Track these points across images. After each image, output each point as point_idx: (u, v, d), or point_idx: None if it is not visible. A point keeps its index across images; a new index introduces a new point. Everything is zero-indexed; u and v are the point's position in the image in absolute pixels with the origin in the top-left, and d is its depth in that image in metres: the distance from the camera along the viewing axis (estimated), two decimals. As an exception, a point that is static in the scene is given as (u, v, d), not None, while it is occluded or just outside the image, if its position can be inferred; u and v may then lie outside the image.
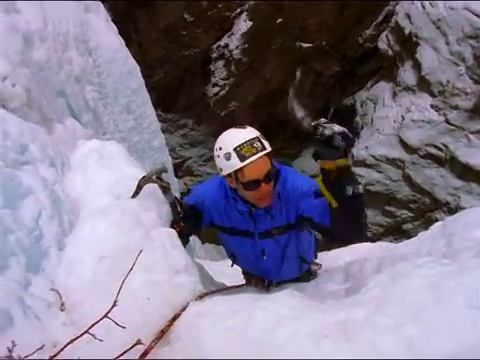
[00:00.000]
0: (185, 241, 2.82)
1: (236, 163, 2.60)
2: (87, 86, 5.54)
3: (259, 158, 2.60)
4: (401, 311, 1.63)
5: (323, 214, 2.67)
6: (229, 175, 2.70)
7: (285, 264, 3.32)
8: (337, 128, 2.46)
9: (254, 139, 2.61)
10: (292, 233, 3.09)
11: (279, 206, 2.91)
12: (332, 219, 2.62)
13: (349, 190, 2.42)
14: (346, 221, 2.57)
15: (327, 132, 2.44)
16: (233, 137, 2.65)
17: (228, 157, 2.61)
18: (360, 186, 2.53)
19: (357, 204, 2.52)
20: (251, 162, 2.59)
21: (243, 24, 14.28)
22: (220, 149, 2.66)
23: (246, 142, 2.59)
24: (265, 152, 2.62)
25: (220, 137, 2.74)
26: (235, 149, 2.58)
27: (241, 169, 2.62)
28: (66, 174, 2.86)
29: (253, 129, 2.70)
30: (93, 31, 6.08)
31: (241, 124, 2.75)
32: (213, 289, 2.40)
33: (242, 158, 2.58)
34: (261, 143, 2.62)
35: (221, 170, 2.72)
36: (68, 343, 1.56)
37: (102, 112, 6.05)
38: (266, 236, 3.07)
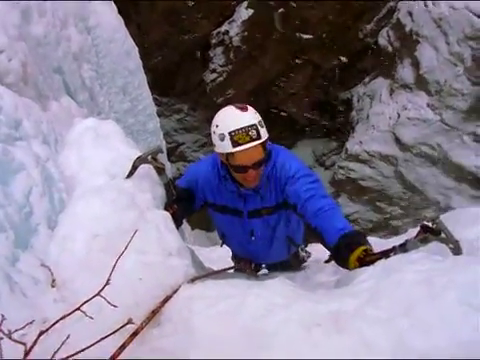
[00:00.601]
0: (178, 224, 2.81)
1: (228, 147, 2.60)
2: (84, 64, 5.49)
3: (251, 147, 2.60)
4: (393, 305, 1.64)
5: (306, 206, 2.68)
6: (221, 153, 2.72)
7: (274, 245, 3.33)
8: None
9: (251, 126, 2.59)
10: (281, 213, 3.10)
11: (268, 187, 2.93)
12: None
13: None
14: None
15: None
16: (231, 119, 2.63)
17: (222, 138, 2.61)
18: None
19: None
20: (242, 150, 2.59)
21: (244, 12, 14.18)
22: (216, 127, 2.65)
23: (242, 128, 2.57)
24: (259, 142, 2.61)
25: (220, 113, 2.73)
26: (230, 133, 2.57)
27: (232, 153, 2.63)
28: (61, 151, 2.84)
29: (254, 113, 2.67)
30: (93, 9, 6.02)
31: (244, 104, 2.71)
32: (204, 273, 2.39)
33: (235, 144, 2.58)
34: (257, 132, 2.60)
35: (214, 146, 2.73)
36: (59, 319, 1.55)
37: (98, 92, 6.00)
38: (255, 215, 3.09)
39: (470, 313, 1.48)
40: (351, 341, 1.55)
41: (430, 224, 2.32)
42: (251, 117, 2.63)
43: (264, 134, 2.65)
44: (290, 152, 3.13)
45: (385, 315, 1.58)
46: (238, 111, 2.64)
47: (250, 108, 2.69)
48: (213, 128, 2.69)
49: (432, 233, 2.27)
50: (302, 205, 2.72)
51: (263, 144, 2.67)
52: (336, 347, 1.55)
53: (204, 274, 2.35)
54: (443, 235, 2.25)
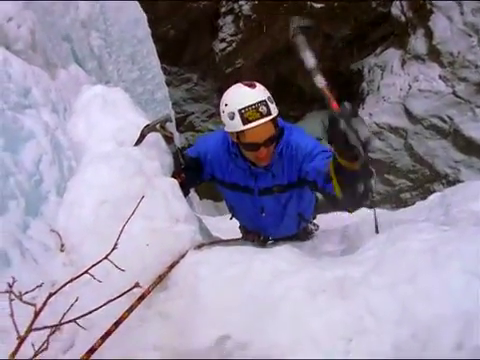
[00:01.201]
0: (185, 192, 2.80)
1: (238, 125, 2.57)
2: (93, 32, 5.45)
3: (262, 123, 2.57)
4: (397, 272, 1.65)
5: (327, 179, 2.63)
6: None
7: (284, 221, 3.33)
8: (363, 132, 1.96)
9: (261, 102, 2.55)
10: (294, 191, 3.08)
11: (281, 165, 2.90)
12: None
13: (360, 188, 2.23)
14: (350, 201, 2.46)
15: (348, 132, 1.98)
16: (240, 96, 2.59)
17: (232, 117, 2.58)
18: (373, 181, 2.36)
19: (364, 197, 2.31)
20: (253, 127, 2.56)
21: (254, -20, 13.95)
22: (226, 105, 2.62)
23: (252, 105, 2.54)
24: (269, 118, 2.58)
25: (228, 92, 2.69)
26: (240, 110, 2.54)
27: (242, 131, 2.60)
28: (69, 119, 2.84)
29: (263, 89, 2.63)
30: (100, -23, 5.94)
31: (251, 81, 2.68)
32: (211, 240, 2.41)
33: (245, 121, 2.55)
34: (267, 108, 2.57)
35: (224, 125, 2.70)
36: (67, 282, 1.58)
37: (107, 60, 5.97)
38: (266, 193, 3.07)
39: (473, 282, 1.49)
40: (355, 307, 1.57)
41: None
42: (260, 93, 2.60)
43: (274, 110, 2.62)
44: (303, 130, 3.08)
45: (389, 282, 1.60)
46: (247, 88, 2.60)
47: (258, 84, 2.65)
48: (222, 107, 2.66)
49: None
50: (324, 178, 2.59)
51: (273, 120, 2.65)
52: (341, 312, 1.57)
53: (211, 241, 2.37)
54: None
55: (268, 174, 2.94)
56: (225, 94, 2.70)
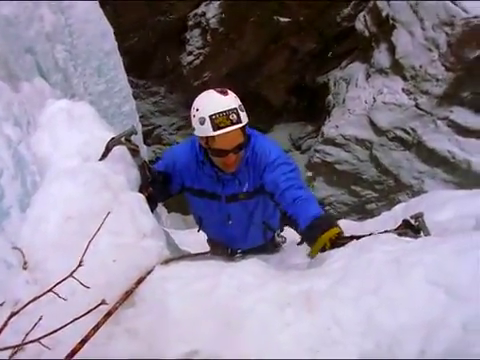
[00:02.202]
0: (153, 206, 2.80)
1: (208, 131, 2.60)
2: (58, 45, 5.37)
3: (232, 130, 2.60)
4: (362, 283, 1.68)
5: (284, 195, 2.72)
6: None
7: (251, 229, 3.38)
8: None
9: (232, 110, 2.59)
10: (259, 198, 3.12)
11: (246, 172, 2.95)
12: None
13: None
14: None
15: None
16: (212, 103, 2.62)
17: (202, 122, 2.60)
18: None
19: None
20: (223, 133, 2.59)
21: (221, -6, 14.05)
22: (197, 110, 2.65)
23: (223, 112, 2.57)
24: (239, 126, 2.62)
25: (200, 97, 2.72)
26: (210, 116, 2.57)
27: (213, 137, 2.63)
28: (33, 133, 2.79)
29: (234, 97, 2.68)
30: (66, -11, 5.88)
31: (223, 88, 2.71)
32: (179, 255, 2.40)
33: (215, 127, 2.58)
34: (237, 116, 2.60)
35: (194, 130, 2.72)
36: (31, 301, 1.55)
37: (72, 73, 5.89)
38: (233, 200, 3.10)
39: (436, 292, 1.53)
40: (322, 319, 1.59)
41: (412, 221, 2.37)
42: (232, 101, 2.64)
43: (244, 118, 2.66)
44: (268, 138, 3.13)
45: (355, 294, 1.63)
46: (219, 95, 2.64)
47: (230, 92, 2.69)
48: (193, 111, 2.68)
49: (412, 229, 2.33)
50: (280, 194, 2.75)
51: (243, 128, 2.69)
52: (307, 325, 1.58)
53: (178, 256, 2.36)
54: (422, 234, 2.30)
55: (235, 181, 2.99)
56: (197, 99, 2.73)
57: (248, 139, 2.83)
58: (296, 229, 2.71)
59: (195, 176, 3.06)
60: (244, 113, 2.67)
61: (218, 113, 2.57)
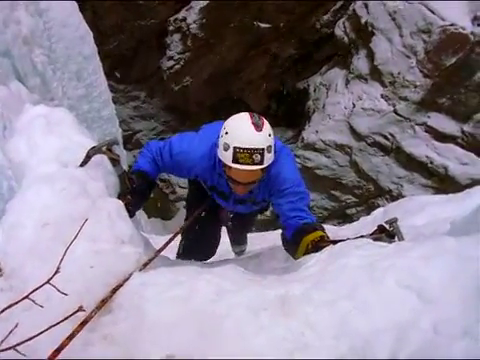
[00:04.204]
0: (130, 215, 2.75)
1: (228, 160, 2.59)
2: (36, 49, 5.31)
3: (250, 170, 2.59)
4: (337, 288, 1.72)
5: (288, 221, 2.79)
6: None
7: (248, 211, 3.49)
8: None
9: (257, 150, 2.53)
10: (265, 204, 3.29)
11: (259, 186, 2.96)
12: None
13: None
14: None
15: None
16: (242, 134, 2.56)
17: (226, 148, 2.58)
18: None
19: None
20: (240, 169, 2.58)
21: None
22: (226, 133, 2.60)
23: (248, 149, 2.52)
24: (259, 167, 2.59)
25: (235, 119, 2.67)
26: (235, 147, 2.54)
27: (230, 166, 2.62)
28: (10, 138, 2.77)
29: (267, 135, 2.59)
30: (45, -8, 5.83)
31: (261, 118, 2.63)
32: (154, 255, 2.39)
33: (235, 160, 2.56)
34: (262, 157, 2.55)
35: (217, 147, 2.70)
36: (7, 307, 1.54)
37: (51, 77, 5.83)
38: (240, 203, 3.20)
39: (409, 295, 1.57)
40: (297, 323, 1.61)
41: (387, 226, 2.43)
42: (262, 140, 2.57)
43: (268, 160, 2.62)
44: (289, 157, 3.07)
45: (329, 298, 1.66)
46: (252, 128, 2.55)
47: (265, 127, 2.61)
48: (223, 131, 2.64)
49: (387, 235, 2.38)
50: (284, 220, 2.83)
51: (264, 168, 2.65)
52: (282, 329, 1.61)
53: (153, 256, 2.36)
54: (396, 238, 2.36)
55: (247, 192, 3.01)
56: (232, 119, 2.68)
57: (269, 167, 2.76)
58: (284, 238, 2.85)
59: (209, 176, 3.05)
60: (271, 154, 2.63)
61: (243, 148, 2.52)
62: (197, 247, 3.80)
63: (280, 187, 2.84)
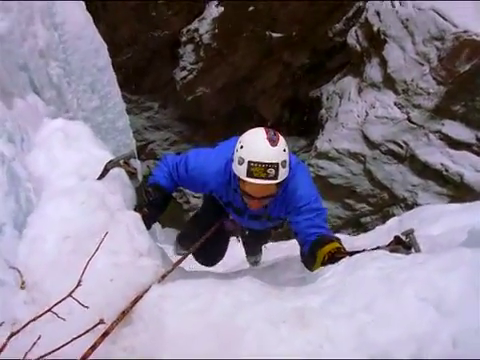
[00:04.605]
0: (148, 226, 2.77)
1: (242, 173, 2.59)
2: (51, 62, 5.40)
3: (264, 184, 2.59)
4: (355, 300, 1.72)
5: (305, 238, 2.80)
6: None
7: (261, 228, 3.50)
8: None
9: (272, 165, 2.53)
10: (279, 221, 3.26)
11: (274, 203, 2.95)
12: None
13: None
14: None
15: None
16: (257, 149, 2.56)
17: (241, 162, 2.58)
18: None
19: None
20: (254, 183, 2.58)
21: (214, 9, 14.17)
22: (241, 148, 2.60)
23: (263, 164, 2.52)
24: (273, 182, 2.59)
25: (251, 134, 2.67)
26: (249, 162, 2.54)
27: (244, 180, 2.62)
28: (29, 151, 2.81)
29: (282, 150, 2.59)
30: (60, 6, 5.92)
31: (276, 133, 2.64)
32: (171, 267, 2.41)
33: (249, 174, 2.56)
34: (276, 172, 2.55)
35: (233, 160, 2.71)
36: (30, 321, 1.57)
37: (66, 89, 5.92)
38: (255, 219, 3.19)
39: (426, 307, 1.57)
40: (315, 336, 1.62)
41: (403, 237, 2.42)
42: (277, 154, 2.56)
43: (283, 175, 2.61)
44: (305, 173, 3.08)
45: (348, 311, 1.66)
46: (267, 143, 2.55)
47: (281, 142, 2.61)
48: (238, 145, 2.64)
49: (403, 246, 2.38)
50: (301, 238, 2.84)
51: (278, 183, 2.65)
52: (301, 341, 1.61)
53: (171, 269, 2.37)
54: (413, 250, 2.36)
55: (261, 208, 2.99)
56: (248, 134, 2.68)
57: (285, 183, 2.76)
58: (303, 258, 2.85)
59: (225, 192, 3.06)
60: (286, 169, 2.62)
61: (258, 163, 2.52)
62: (201, 255, 3.81)
63: (297, 204, 2.84)
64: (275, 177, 2.57)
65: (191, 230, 3.83)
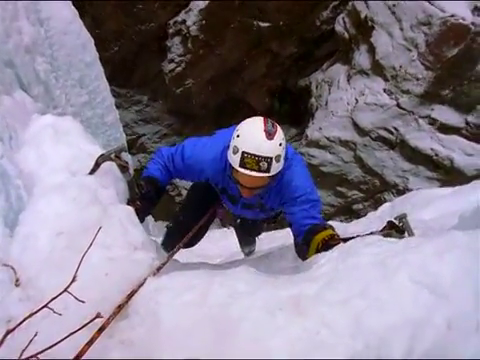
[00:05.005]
0: (140, 220, 2.77)
1: (235, 163, 2.60)
2: (38, 57, 5.34)
3: (256, 176, 2.59)
4: (350, 287, 1.73)
5: (300, 229, 2.81)
6: None
7: (254, 218, 3.52)
8: None
9: (265, 159, 2.53)
10: (272, 212, 3.26)
11: (268, 192, 2.97)
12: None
13: None
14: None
15: None
16: (252, 140, 2.55)
17: (235, 151, 2.59)
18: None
19: None
20: (246, 173, 2.59)
21: (201, 0, 14.07)
22: (237, 136, 2.60)
23: (256, 156, 2.52)
24: (265, 175, 2.60)
25: (248, 123, 2.67)
26: (243, 152, 2.54)
27: (236, 169, 2.63)
28: (18, 149, 2.79)
29: (277, 145, 2.58)
30: (45, 2, 5.86)
31: (275, 125, 2.63)
32: (166, 260, 2.41)
33: (242, 164, 2.56)
34: (269, 165, 2.55)
35: (228, 148, 2.71)
36: (26, 317, 1.56)
37: (54, 85, 5.86)
38: (248, 207, 3.21)
39: (421, 291, 1.58)
40: (312, 323, 1.63)
41: (396, 222, 2.44)
42: (272, 148, 2.56)
43: (275, 169, 2.61)
44: (301, 164, 3.08)
45: (343, 297, 1.67)
46: (263, 136, 2.54)
47: (278, 135, 2.60)
48: (235, 133, 2.64)
49: (396, 230, 2.39)
50: (296, 228, 2.86)
51: (271, 176, 2.65)
52: (298, 329, 1.62)
53: (165, 261, 2.38)
54: (406, 234, 2.38)
55: (256, 196, 3.01)
56: (245, 124, 2.68)
57: (280, 174, 2.77)
58: (297, 247, 2.86)
59: (220, 179, 3.07)
60: (279, 164, 2.62)
61: (251, 154, 2.52)
62: (179, 231, 3.77)
63: (292, 195, 2.85)
64: (267, 171, 2.58)
65: (180, 224, 3.79)
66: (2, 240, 2.18)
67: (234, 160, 2.60)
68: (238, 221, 3.47)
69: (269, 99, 16.53)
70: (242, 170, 2.57)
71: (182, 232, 3.29)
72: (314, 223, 2.75)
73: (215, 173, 3.01)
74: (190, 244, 3.92)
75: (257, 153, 2.52)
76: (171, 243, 3.55)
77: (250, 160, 2.53)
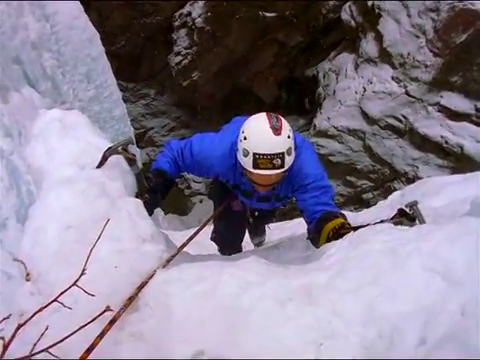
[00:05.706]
0: (149, 212, 2.74)
1: (248, 165, 2.58)
2: (45, 53, 5.35)
3: (271, 174, 2.58)
4: (361, 275, 1.72)
5: (312, 215, 2.80)
6: None
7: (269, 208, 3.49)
8: None
9: (278, 155, 2.52)
10: (287, 200, 3.24)
11: (282, 184, 2.95)
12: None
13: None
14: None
15: None
16: (261, 140, 2.53)
17: (246, 154, 2.57)
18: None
19: None
20: (261, 173, 2.58)
21: (206, -8, 14.01)
22: (244, 139, 2.58)
23: (268, 155, 2.51)
24: (280, 171, 2.58)
25: (252, 123, 2.64)
26: (255, 154, 2.52)
27: (250, 171, 2.62)
28: (27, 144, 2.79)
29: (286, 137, 2.55)
30: (50, -3, 5.86)
31: (278, 118, 2.60)
32: (175, 252, 2.41)
33: (255, 166, 2.55)
34: (282, 161, 2.54)
35: (237, 150, 2.69)
36: (36, 312, 1.56)
37: (61, 80, 5.87)
38: (263, 200, 3.20)
39: (433, 278, 1.56)
40: (323, 312, 1.62)
41: (407, 209, 2.41)
42: (282, 144, 2.54)
43: (289, 162, 2.61)
44: (310, 151, 3.05)
45: (354, 285, 1.66)
46: (271, 132, 2.52)
47: (284, 128, 2.57)
48: (241, 135, 2.62)
49: (407, 218, 2.37)
50: (308, 216, 2.84)
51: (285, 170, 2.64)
52: (309, 318, 1.61)
53: (175, 253, 2.37)
54: (417, 222, 2.35)
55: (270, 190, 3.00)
56: (249, 123, 2.65)
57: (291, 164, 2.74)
58: (309, 235, 2.85)
59: (231, 175, 3.05)
60: (291, 156, 2.61)
61: (263, 154, 2.51)
62: (225, 240, 3.85)
63: (303, 182, 2.83)
64: (282, 166, 2.57)
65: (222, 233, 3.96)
66: (14, 235, 2.19)
67: (246, 162, 2.59)
68: (256, 214, 3.46)
69: (276, 90, 16.46)
70: (257, 171, 2.57)
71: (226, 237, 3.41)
72: (326, 210, 2.73)
73: (225, 169, 2.99)
74: (232, 246, 4.05)
75: (269, 152, 2.51)
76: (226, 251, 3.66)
77: (263, 160, 2.52)
